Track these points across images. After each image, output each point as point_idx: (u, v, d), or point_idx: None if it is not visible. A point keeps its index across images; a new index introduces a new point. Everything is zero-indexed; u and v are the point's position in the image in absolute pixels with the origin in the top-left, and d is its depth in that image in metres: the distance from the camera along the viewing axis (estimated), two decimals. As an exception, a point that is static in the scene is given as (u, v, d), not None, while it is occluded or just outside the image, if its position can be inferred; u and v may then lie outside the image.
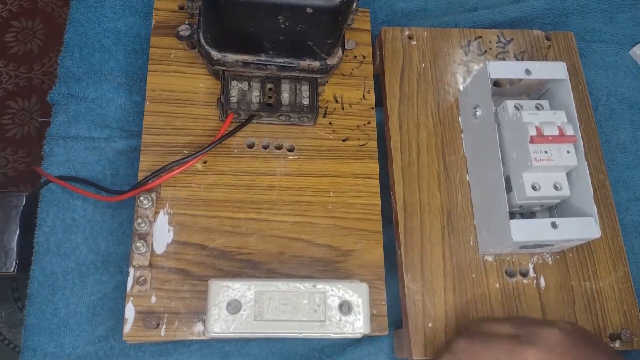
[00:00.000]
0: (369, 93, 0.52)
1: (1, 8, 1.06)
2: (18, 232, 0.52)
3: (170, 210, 0.45)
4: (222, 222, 0.46)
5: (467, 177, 0.50)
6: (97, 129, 0.52)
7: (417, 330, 0.45)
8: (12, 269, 0.51)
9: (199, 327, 0.43)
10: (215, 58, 0.45)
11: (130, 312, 0.43)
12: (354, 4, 0.49)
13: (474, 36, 0.55)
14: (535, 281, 0.47)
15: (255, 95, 0.47)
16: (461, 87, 0.53)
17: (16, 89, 1.00)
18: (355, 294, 0.41)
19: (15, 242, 0.51)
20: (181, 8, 0.52)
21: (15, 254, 0.51)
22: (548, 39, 0.56)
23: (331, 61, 0.46)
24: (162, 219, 0.45)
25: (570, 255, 0.48)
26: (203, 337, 0.43)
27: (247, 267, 0.45)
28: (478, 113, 0.48)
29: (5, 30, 1.04)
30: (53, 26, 1.05)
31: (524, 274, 0.47)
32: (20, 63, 1.02)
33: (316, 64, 0.45)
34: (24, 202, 0.53)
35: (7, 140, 0.98)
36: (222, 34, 0.43)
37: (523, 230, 0.42)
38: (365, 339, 0.48)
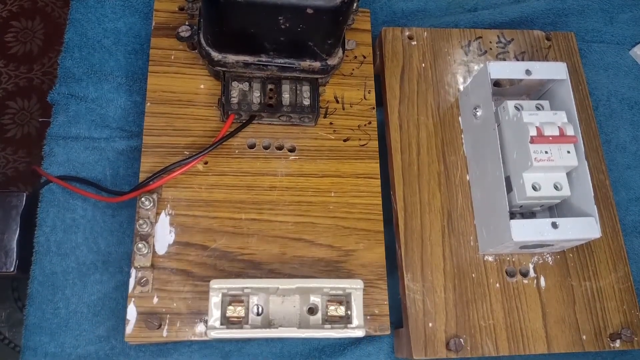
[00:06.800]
0: (369, 93, 0.52)
1: (1, 8, 1.06)
2: (18, 232, 0.52)
3: (172, 211, 0.45)
4: (224, 222, 0.46)
5: (467, 177, 0.50)
6: (97, 129, 0.52)
7: (417, 330, 0.45)
8: (12, 269, 0.51)
9: (200, 327, 0.43)
10: (215, 59, 0.45)
11: (132, 313, 0.43)
12: (355, 5, 0.49)
13: (474, 36, 0.55)
14: (535, 281, 0.47)
15: (256, 96, 0.47)
16: (461, 87, 0.53)
17: (16, 89, 1.00)
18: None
19: (15, 241, 0.51)
20: (181, 9, 0.52)
21: (15, 254, 0.51)
22: (548, 39, 0.56)
23: (332, 61, 0.46)
24: (164, 220, 0.45)
25: (571, 255, 0.48)
26: (205, 338, 0.43)
27: (249, 267, 0.45)
28: (478, 113, 0.48)
29: (5, 31, 1.04)
30: (53, 26, 1.05)
31: (524, 274, 0.47)
32: (20, 63, 1.02)
33: (317, 64, 0.45)
34: (24, 202, 0.53)
35: (7, 140, 0.98)
36: (222, 35, 0.43)
37: (523, 230, 0.42)
38: (365, 339, 0.48)
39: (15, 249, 0.51)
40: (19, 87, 1.00)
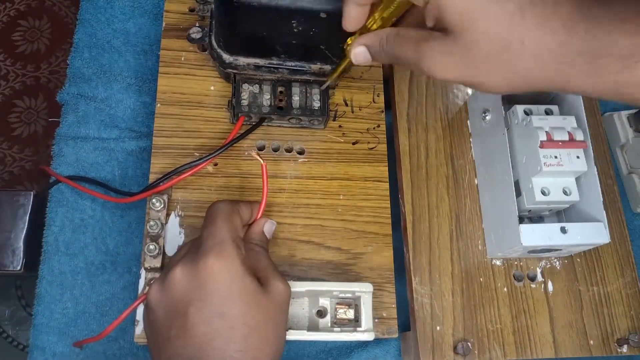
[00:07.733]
0: (378, 96, 0.52)
1: (9, 7, 1.06)
2: (25, 230, 0.52)
3: (181, 213, 0.46)
4: (232, 224, 0.46)
5: (476, 181, 0.50)
6: (106, 130, 0.52)
7: (425, 333, 0.45)
8: (19, 267, 0.51)
9: (209, 328, 0.43)
10: (227, 61, 0.45)
11: (141, 314, 0.43)
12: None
13: (483, 40, 0.55)
14: (543, 285, 0.47)
15: (266, 99, 0.47)
16: (470, 91, 0.53)
17: (23, 88, 1.00)
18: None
19: (22, 240, 0.51)
20: (192, 10, 0.52)
21: (22, 253, 0.51)
22: (557, 43, 0.56)
23: (342, 65, 0.46)
24: (174, 221, 0.45)
25: (578, 259, 0.48)
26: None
27: (257, 269, 0.45)
28: (487, 117, 0.49)
29: (13, 29, 1.04)
30: (60, 25, 1.05)
31: (532, 278, 0.47)
32: (28, 62, 1.02)
33: (327, 67, 0.45)
34: (31, 201, 0.53)
35: (14, 139, 0.98)
36: (234, 38, 0.43)
37: (533, 235, 0.42)
38: (372, 342, 0.48)
39: (22, 248, 0.51)
40: (26, 86, 1.00)
